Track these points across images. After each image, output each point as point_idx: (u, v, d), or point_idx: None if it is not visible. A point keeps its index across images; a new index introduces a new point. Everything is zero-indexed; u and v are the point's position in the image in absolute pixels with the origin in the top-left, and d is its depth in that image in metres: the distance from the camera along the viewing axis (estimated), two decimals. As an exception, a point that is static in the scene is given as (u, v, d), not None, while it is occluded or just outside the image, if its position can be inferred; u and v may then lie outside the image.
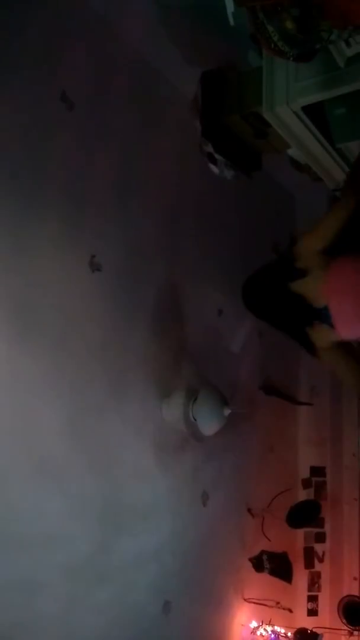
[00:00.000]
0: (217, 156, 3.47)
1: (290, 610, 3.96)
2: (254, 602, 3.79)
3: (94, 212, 2.86)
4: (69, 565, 2.61)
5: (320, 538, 4.36)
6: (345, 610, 3.90)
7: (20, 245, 2.45)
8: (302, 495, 4.43)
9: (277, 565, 3.97)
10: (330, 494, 4.45)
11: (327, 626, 3.94)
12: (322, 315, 2.07)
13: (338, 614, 3.92)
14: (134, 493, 2.99)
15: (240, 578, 3.78)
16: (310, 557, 4.34)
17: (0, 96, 2.40)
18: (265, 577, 3.91)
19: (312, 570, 4.31)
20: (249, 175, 3.70)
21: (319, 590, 4.26)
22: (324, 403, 4.59)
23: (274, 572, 3.94)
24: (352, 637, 3.85)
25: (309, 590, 4.26)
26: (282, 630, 3.72)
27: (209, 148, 3.44)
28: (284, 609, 3.86)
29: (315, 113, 2.90)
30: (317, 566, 4.33)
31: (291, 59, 2.30)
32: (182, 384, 3.21)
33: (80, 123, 2.78)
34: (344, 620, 3.86)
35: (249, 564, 3.84)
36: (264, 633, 3.70)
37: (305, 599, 4.24)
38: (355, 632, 3.83)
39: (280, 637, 3.72)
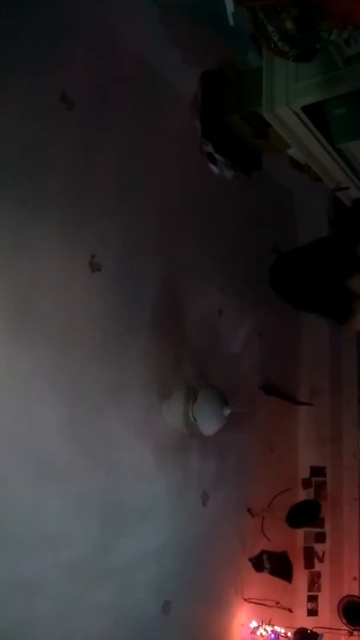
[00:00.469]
0: (217, 156, 3.47)
1: (290, 610, 3.96)
2: (254, 602, 3.79)
3: (94, 212, 2.85)
4: (69, 565, 2.61)
5: (320, 538, 4.36)
6: (345, 610, 3.90)
7: (20, 245, 2.45)
8: (302, 495, 4.43)
9: (277, 565, 3.97)
10: (330, 494, 4.45)
11: (327, 626, 3.93)
12: None
13: (338, 614, 3.92)
14: (134, 493, 2.99)
15: (240, 578, 3.78)
16: (310, 557, 4.34)
17: (0, 96, 2.40)
18: (265, 577, 3.91)
19: (312, 570, 4.31)
20: (249, 175, 3.71)
21: (319, 590, 4.26)
22: (324, 403, 4.58)
23: (274, 572, 3.95)
24: (352, 637, 3.85)
25: (309, 590, 4.26)
26: (282, 630, 3.72)
27: (209, 148, 3.45)
28: (284, 608, 3.87)
29: (315, 113, 2.90)
30: (317, 566, 4.33)
31: (291, 59, 2.29)
32: (182, 384, 3.21)
33: (80, 123, 2.77)
34: (344, 620, 3.86)
35: (249, 564, 3.85)
36: (264, 633, 3.70)
37: (305, 598, 4.24)
38: (355, 632, 3.83)
39: (280, 637, 3.72)
